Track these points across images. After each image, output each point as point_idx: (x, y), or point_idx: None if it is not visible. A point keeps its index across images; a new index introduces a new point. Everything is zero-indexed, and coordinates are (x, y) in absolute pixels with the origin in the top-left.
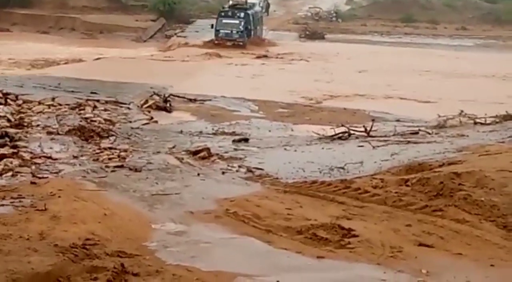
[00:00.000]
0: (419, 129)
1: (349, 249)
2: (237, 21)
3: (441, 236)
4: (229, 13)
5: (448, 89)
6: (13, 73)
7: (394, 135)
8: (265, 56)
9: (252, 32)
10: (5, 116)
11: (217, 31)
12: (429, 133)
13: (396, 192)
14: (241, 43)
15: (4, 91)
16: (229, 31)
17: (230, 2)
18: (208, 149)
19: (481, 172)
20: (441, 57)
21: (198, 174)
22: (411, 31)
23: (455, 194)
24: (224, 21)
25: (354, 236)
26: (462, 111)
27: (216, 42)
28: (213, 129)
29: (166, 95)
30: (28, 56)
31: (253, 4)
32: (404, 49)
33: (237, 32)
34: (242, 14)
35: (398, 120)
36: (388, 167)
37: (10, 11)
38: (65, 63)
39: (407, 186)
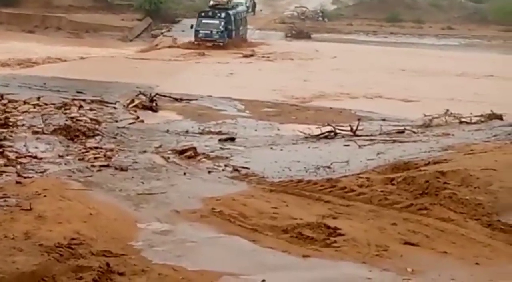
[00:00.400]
0: (405, 129)
1: (335, 247)
2: (217, 22)
3: (427, 234)
4: (210, 13)
5: (434, 88)
6: None
7: (380, 134)
8: (252, 55)
9: (234, 33)
10: None
11: (196, 31)
12: (415, 133)
13: (381, 191)
14: (221, 44)
15: None
16: (208, 32)
17: (211, 2)
18: (194, 148)
19: (466, 171)
20: (426, 56)
21: (184, 173)
22: (397, 31)
23: (440, 193)
24: (204, 21)
25: (340, 234)
26: (447, 110)
27: (195, 42)
28: (199, 128)
29: (152, 95)
30: (13, 55)
31: (236, 4)
32: (390, 48)
33: (217, 32)
34: (223, 15)
35: (384, 120)
36: (374, 166)
37: None
38: (51, 62)
39: (393, 185)
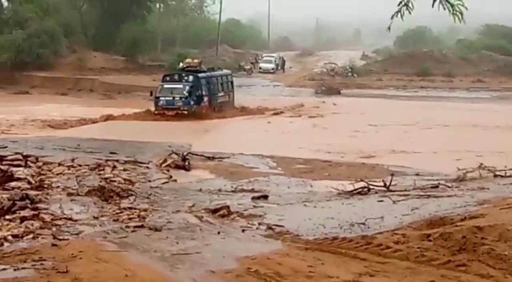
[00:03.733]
0: (439, 183)
1: None
2: (181, 86)
3: None
4: (175, 77)
5: (467, 141)
6: (32, 135)
7: (414, 189)
8: (282, 112)
9: (206, 99)
10: (25, 178)
11: (157, 99)
12: (449, 187)
13: (418, 247)
14: (185, 112)
15: (24, 154)
16: (170, 98)
17: (181, 64)
18: (227, 207)
19: (503, 225)
20: (458, 110)
21: (218, 232)
22: (427, 85)
23: (478, 249)
24: (166, 86)
25: None
26: (481, 164)
27: (156, 112)
28: (232, 186)
29: (185, 154)
30: (47, 118)
31: (218, 68)
32: (420, 103)
33: (181, 98)
34: (190, 78)
35: (417, 174)
36: (409, 222)
37: (30, 74)
38: (84, 123)
39: (429, 240)
